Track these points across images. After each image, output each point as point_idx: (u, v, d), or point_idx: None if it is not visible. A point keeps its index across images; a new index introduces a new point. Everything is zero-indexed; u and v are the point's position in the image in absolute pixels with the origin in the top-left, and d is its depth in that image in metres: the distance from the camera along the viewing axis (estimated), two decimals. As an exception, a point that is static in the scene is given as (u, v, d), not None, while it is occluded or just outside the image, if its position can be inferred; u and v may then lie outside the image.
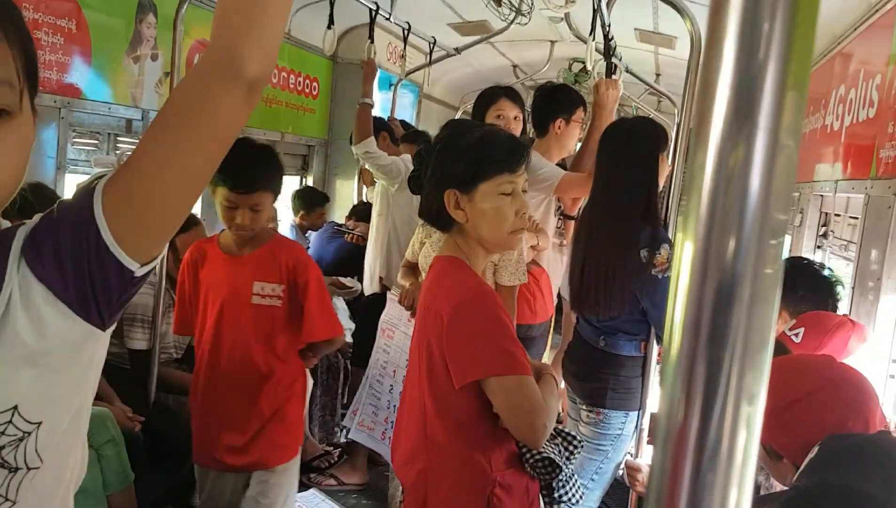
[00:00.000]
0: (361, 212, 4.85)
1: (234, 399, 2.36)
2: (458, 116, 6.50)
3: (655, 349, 2.50)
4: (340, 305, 4.04)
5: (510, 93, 3.32)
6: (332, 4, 3.81)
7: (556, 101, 3.25)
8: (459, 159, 1.67)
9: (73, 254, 0.82)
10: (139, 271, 0.85)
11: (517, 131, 3.25)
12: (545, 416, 1.58)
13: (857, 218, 2.76)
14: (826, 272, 2.51)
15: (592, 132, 3.13)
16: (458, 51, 5.16)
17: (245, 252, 2.35)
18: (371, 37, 4.01)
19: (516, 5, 4.29)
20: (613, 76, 3.20)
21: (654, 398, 2.56)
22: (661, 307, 2.35)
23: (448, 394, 1.63)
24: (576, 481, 1.72)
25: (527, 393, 1.56)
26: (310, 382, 3.70)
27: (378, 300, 3.66)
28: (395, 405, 2.75)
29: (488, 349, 1.58)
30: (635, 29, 5.22)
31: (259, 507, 2.41)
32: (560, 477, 1.67)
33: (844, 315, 2.32)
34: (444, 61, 5.35)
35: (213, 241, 2.43)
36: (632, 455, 2.60)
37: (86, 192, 0.83)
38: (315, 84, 5.18)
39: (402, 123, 5.08)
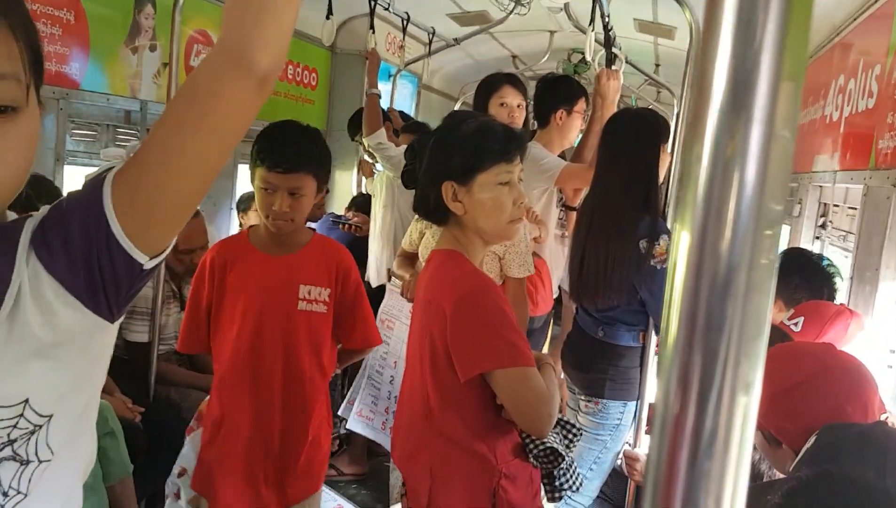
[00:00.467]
0: (361, 203, 4.84)
1: (278, 423, 2.08)
2: (457, 106, 6.49)
3: (654, 339, 2.51)
4: None
5: (513, 80, 3.26)
6: (330, -6, 3.80)
7: (557, 92, 3.24)
8: (456, 151, 1.66)
9: (82, 246, 0.82)
10: (148, 264, 0.85)
11: (520, 120, 3.22)
12: (550, 406, 1.59)
13: (855, 209, 2.76)
14: (824, 263, 2.51)
15: (594, 123, 3.13)
16: (457, 41, 5.14)
17: (286, 252, 2.09)
18: (372, 27, 4.00)
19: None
20: (613, 67, 3.19)
21: (653, 389, 2.57)
22: (659, 298, 2.35)
23: (452, 387, 1.63)
24: (575, 469, 1.74)
25: (532, 385, 1.56)
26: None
27: (381, 291, 3.66)
28: (395, 396, 2.76)
29: (492, 342, 1.58)
30: (635, 19, 5.21)
31: None
32: (561, 466, 1.68)
33: (841, 304, 2.33)
34: (443, 52, 5.34)
35: (242, 239, 2.15)
36: (630, 445, 2.61)
37: (95, 184, 0.83)
38: (314, 75, 5.17)
39: (402, 114, 5.07)
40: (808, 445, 1.36)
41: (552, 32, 5.83)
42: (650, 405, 2.59)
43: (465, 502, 1.65)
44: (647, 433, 2.64)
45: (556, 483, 1.71)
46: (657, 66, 6.41)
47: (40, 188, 2.44)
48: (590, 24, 3.36)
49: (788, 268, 2.36)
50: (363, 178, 5.25)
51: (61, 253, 0.82)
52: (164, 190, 0.83)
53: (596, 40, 3.43)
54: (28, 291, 0.82)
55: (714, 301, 0.34)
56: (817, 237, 3.44)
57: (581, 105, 3.24)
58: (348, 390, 4.18)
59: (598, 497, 2.70)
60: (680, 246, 0.35)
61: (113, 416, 2.51)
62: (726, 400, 0.35)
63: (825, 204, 3.40)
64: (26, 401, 0.84)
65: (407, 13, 4.68)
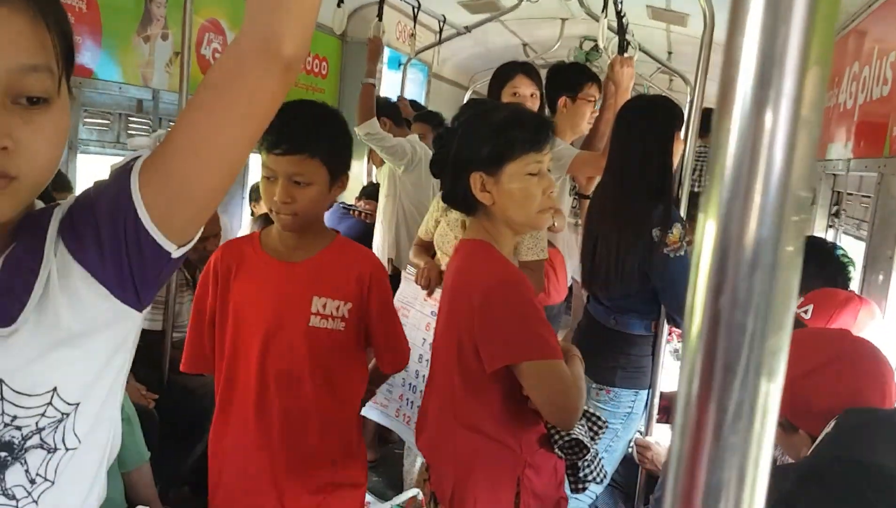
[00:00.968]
0: (371, 192, 4.84)
1: (282, 474, 1.82)
2: (467, 96, 6.47)
3: (665, 328, 2.51)
4: None
5: (527, 69, 3.23)
6: (341, -18, 3.79)
7: (559, 79, 3.23)
8: (484, 141, 1.64)
9: (110, 235, 0.82)
10: (176, 253, 0.86)
11: (534, 110, 3.22)
12: (577, 399, 1.58)
13: (869, 197, 2.74)
14: (838, 253, 2.51)
15: (606, 111, 3.11)
16: (468, 29, 5.12)
17: (300, 257, 1.79)
18: (380, 15, 3.98)
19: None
20: (627, 54, 3.17)
21: (664, 377, 2.57)
22: (672, 286, 2.35)
23: (478, 378, 1.62)
24: (599, 461, 1.74)
25: (559, 377, 1.55)
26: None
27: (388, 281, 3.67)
28: (410, 383, 2.76)
29: (520, 334, 1.57)
30: (647, 6, 5.17)
31: None
32: (586, 458, 1.68)
33: (851, 291, 2.32)
34: (453, 40, 5.32)
35: (252, 240, 1.85)
36: (641, 433, 2.62)
37: (123, 172, 0.83)
38: (324, 64, 5.17)
39: (413, 103, 5.06)
40: (827, 429, 1.36)
41: (564, 20, 5.80)
42: (662, 393, 2.59)
43: (489, 490, 1.65)
44: (658, 421, 2.64)
45: (580, 475, 1.71)
46: (669, 53, 6.37)
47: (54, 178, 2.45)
48: (602, 11, 3.34)
49: (804, 256, 2.36)
50: (374, 167, 5.25)
51: (90, 242, 0.83)
52: (191, 178, 0.83)
53: (608, 27, 3.41)
54: (56, 280, 0.82)
55: (740, 290, 0.34)
56: (831, 226, 3.42)
57: (588, 91, 3.21)
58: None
59: (608, 484, 2.71)
60: (706, 233, 0.35)
61: (128, 403, 2.53)
62: (751, 386, 0.35)
63: (839, 192, 3.38)
64: (54, 390, 0.84)
65: (418, 1, 4.67)
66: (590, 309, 2.65)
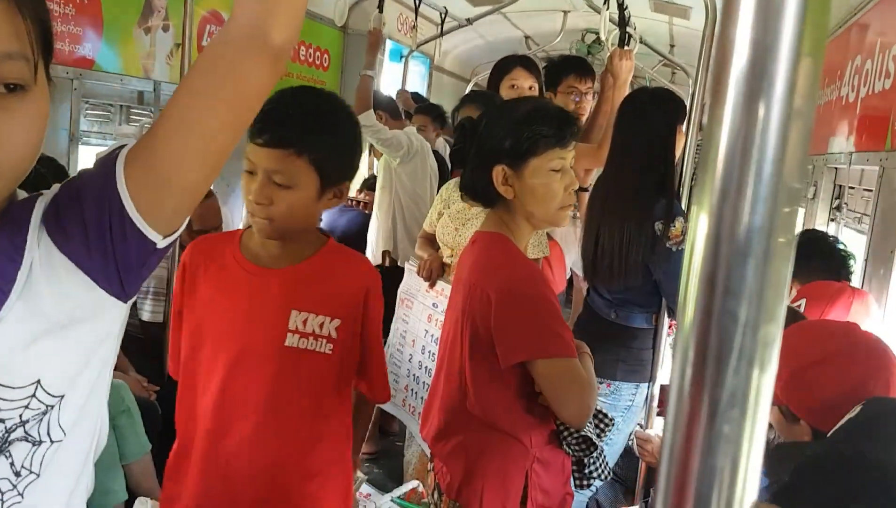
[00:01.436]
0: (372, 184, 4.84)
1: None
2: (469, 88, 6.46)
3: (666, 321, 2.51)
4: None
5: (525, 62, 3.24)
6: (343, -26, 3.78)
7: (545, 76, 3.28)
8: (508, 134, 1.62)
9: (95, 225, 0.81)
10: (161, 243, 0.85)
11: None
12: (590, 398, 1.57)
13: (871, 190, 2.74)
14: (839, 246, 2.51)
15: (602, 103, 3.11)
16: (469, 21, 5.11)
17: (282, 263, 1.50)
18: (380, 7, 3.97)
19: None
20: (627, 47, 3.17)
21: (665, 370, 2.58)
22: (674, 280, 2.35)
23: (492, 372, 1.62)
24: (604, 458, 1.74)
25: (574, 376, 1.55)
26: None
27: (385, 274, 3.66)
28: (413, 374, 2.79)
29: (537, 331, 1.56)
30: (649, -1, 5.16)
31: None
32: (593, 454, 1.68)
33: (844, 282, 2.33)
34: (455, 33, 5.31)
35: (232, 239, 1.56)
36: (642, 426, 2.62)
37: (107, 161, 0.83)
38: (326, 56, 5.15)
39: (415, 95, 5.05)
40: (851, 415, 1.34)
41: (566, 13, 5.79)
42: (662, 386, 2.59)
43: (497, 483, 1.65)
44: (658, 414, 2.65)
45: (586, 472, 1.71)
46: (672, 46, 6.35)
47: (53, 168, 2.45)
48: (604, 4, 3.33)
49: (809, 251, 2.36)
50: (375, 159, 5.26)
51: (74, 231, 0.82)
52: (177, 167, 0.82)
53: (610, 20, 3.40)
54: (40, 270, 0.81)
55: (732, 280, 0.35)
56: (832, 219, 3.42)
57: (568, 83, 3.20)
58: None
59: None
60: (699, 223, 0.35)
61: (129, 394, 2.54)
62: (743, 375, 0.35)
63: (840, 186, 3.37)
64: (38, 382, 0.83)
65: (419, -7, 4.66)
66: (590, 302, 2.65)
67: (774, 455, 1.37)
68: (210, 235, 1.78)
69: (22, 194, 0.88)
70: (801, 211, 3.69)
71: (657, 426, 2.64)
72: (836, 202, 3.41)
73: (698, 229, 0.35)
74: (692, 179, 2.60)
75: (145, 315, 2.90)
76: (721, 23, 0.35)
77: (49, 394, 0.85)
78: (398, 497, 2.69)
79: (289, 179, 1.41)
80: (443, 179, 3.51)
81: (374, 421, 3.68)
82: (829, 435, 1.39)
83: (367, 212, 4.53)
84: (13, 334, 0.81)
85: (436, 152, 4.02)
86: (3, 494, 0.86)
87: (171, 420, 2.76)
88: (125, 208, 0.81)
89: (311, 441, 1.54)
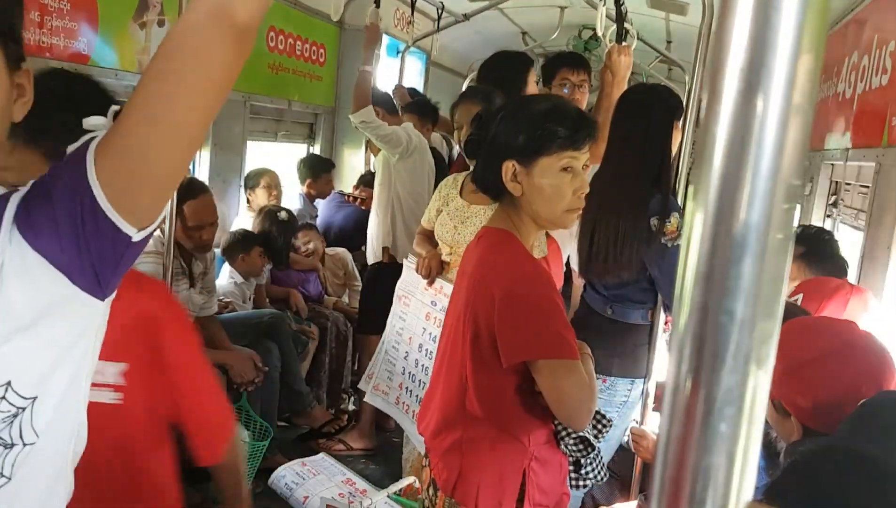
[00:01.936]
0: (369, 180, 4.83)
1: None
2: (466, 84, 6.45)
3: (662, 316, 2.51)
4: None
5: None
6: (339, -31, 3.76)
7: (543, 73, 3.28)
8: (522, 130, 1.60)
9: (67, 219, 0.80)
10: (137, 236, 0.83)
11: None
12: (590, 400, 1.57)
13: (867, 187, 2.74)
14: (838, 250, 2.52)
15: (602, 99, 3.10)
16: (466, 17, 5.10)
17: None
18: (377, 2, 3.96)
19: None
20: (625, 43, 3.16)
21: (660, 366, 2.58)
22: (669, 276, 2.35)
23: (493, 370, 1.61)
24: (601, 459, 1.74)
25: (576, 379, 1.54)
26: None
27: (384, 270, 3.67)
28: (409, 372, 2.77)
29: (540, 331, 1.55)
30: (646, -6, 5.15)
31: None
32: (590, 455, 1.68)
33: (844, 279, 2.33)
34: (452, 28, 5.29)
35: None
36: (637, 422, 2.62)
37: (77, 154, 0.81)
38: (322, 51, 5.14)
39: (411, 90, 5.04)
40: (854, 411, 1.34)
41: (562, 8, 5.77)
42: (657, 382, 2.59)
43: (494, 480, 1.65)
44: (654, 410, 2.65)
45: (583, 472, 1.71)
46: (669, 42, 6.34)
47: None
48: (601, 0, 3.33)
49: (816, 249, 2.38)
50: (371, 156, 5.25)
51: (46, 227, 0.80)
52: (148, 153, 0.81)
53: (607, 16, 3.39)
54: (11, 268, 0.80)
55: (729, 277, 0.34)
56: (828, 215, 3.43)
57: (561, 76, 3.21)
58: (357, 367, 4.23)
59: (605, 473, 2.72)
60: (695, 220, 0.35)
61: (124, 390, 2.53)
62: (742, 361, 0.35)
63: (837, 182, 3.38)
64: (8, 384, 0.82)
65: (416, -12, 4.65)
66: (586, 298, 2.65)
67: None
68: None
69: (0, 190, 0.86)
70: (797, 207, 3.69)
71: (653, 422, 2.64)
72: (832, 198, 3.41)
73: (695, 226, 0.35)
74: (688, 175, 2.60)
75: (141, 311, 2.89)
76: (719, 16, 0.35)
77: (20, 396, 0.83)
78: (394, 494, 2.69)
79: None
80: (441, 176, 3.50)
81: (371, 418, 3.69)
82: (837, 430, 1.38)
83: (363, 208, 4.53)
84: None
85: (433, 149, 4.01)
86: None
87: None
88: (97, 200, 0.79)
89: (129, 503, 1.36)
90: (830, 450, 1.22)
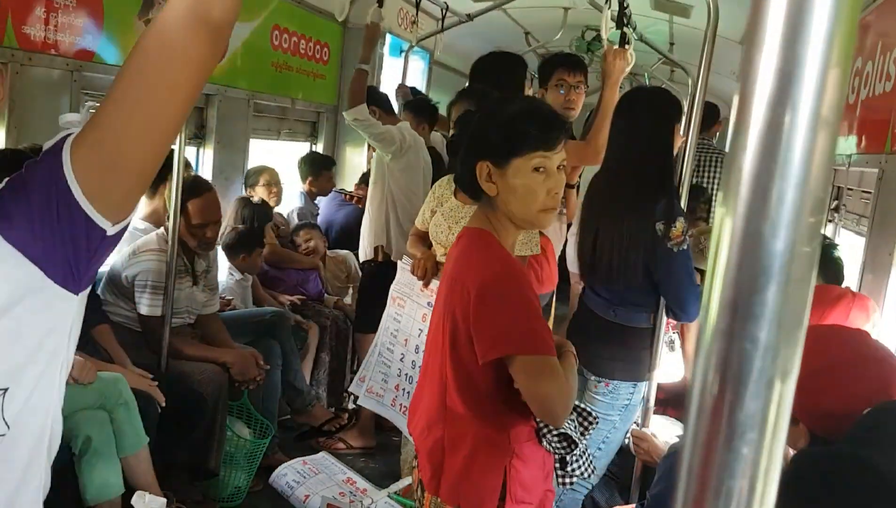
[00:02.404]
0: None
1: None
2: (468, 83, 6.45)
3: (664, 320, 2.51)
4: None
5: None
6: (344, -32, 3.76)
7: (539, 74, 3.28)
8: (495, 131, 1.62)
9: (43, 213, 0.81)
10: (111, 230, 0.85)
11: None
12: (567, 397, 1.57)
13: (870, 193, 2.75)
14: (834, 253, 2.51)
15: (599, 103, 3.10)
16: (470, 17, 5.10)
17: None
18: (380, 1, 3.96)
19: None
20: (627, 45, 3.16)
21: (661, 369, 2.58)
22: (675, 280, 2.34)
23: (470, 368, 1.62)
24: (588, 456, 1.74)
25: (550, 374, 1.54)
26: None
27: (379, 268, 3.67)
28: (406, 374, 2.76)
29: (514, 327, 1.56)
30: (650, -4, 5.15)
31: None
32: (575, 452, 1.68)
33: (846, 288, 2.33)
34: (455, 28, 5.29)
35: None
36: (638, 425, 2.63)
37: (53, 149, 0.83)
38: (325, 49, 5.14)
39: (412, 90, 5.04)
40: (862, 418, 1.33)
41: (566, 9, 5.78)
42: (659, 385, 2.60)
43: (475, 478, 1.66)
44: (654, 412, 2.65)
45: (569, 469, 1.72)
46: (672, 44, 6.35)
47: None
48: (606, 2, 3.33)
49: (822, 259, 2.37)
50: (373, 154, 5.24)
51: (21, 221, 0.82)
52: (124, 147, 0.83)
53: (611, 18, 3.39)
54: None
55: (756, 288, 0.34)
56: (830, 221, 3.43)
57: (558, 77, 3.18)
58: (358, 367, 4.22)
59: (604, 475, 2.72)
60: (724, 232, 0.35)
61: (126, 388, 2.54)
62: (764, 386, 0.35)
63: (839, 187, 3.38)
64: None
65: (420, -12, 4.64)
66: (586, 301, 2.64)
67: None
68: None
69: None
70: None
71: (653, 425, 2.65)
72: (834, 204, 3.41)
73: (723, 235, 0.35)
74: (691, 179, 2.60)
75: (143, 309, 2.89)
76: (748, 30, 0.35)
77: None
78: (394, 494, 2.70)
79: None
80: (440, 175, 3.50)
81: (371, 417, 3.68)
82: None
83: (361, 207, 4.53)
84: None
85: (432, 148, 4.01)
86: None
87: (168, 414, 2.77)
88: (72, 193, 0.81)
89: None
90: (835, 454, 1.23)
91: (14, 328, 0.84)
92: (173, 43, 0.81)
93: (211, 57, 0.84)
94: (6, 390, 0.85)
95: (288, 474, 2.81)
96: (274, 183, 4.27)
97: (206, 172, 4.02)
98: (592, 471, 1.76)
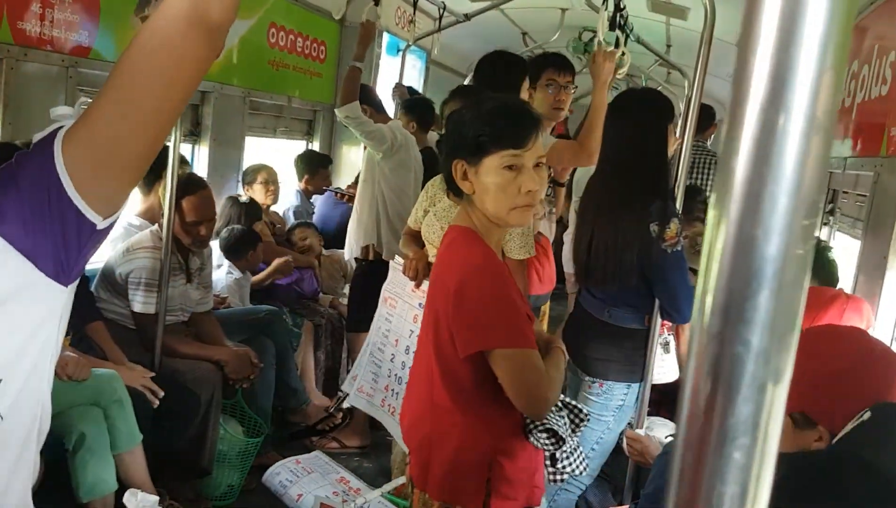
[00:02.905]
0: (365, 178, 4.83)
1: None
2: (465, 83, 6.45)
3: (658, 321, 2.51)
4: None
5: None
6: (341, -33, 3.75)
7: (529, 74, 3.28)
8: (468, 129, 1.63)
9: (33, 206, 0.82)
10: (101, 225, 0.86)
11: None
12: (547, 390, 1.59)
13: (865, 196, 2.75)
14: (829, 256, 2.52)
15: (591, 104, 3.10)
16: (467, 17, 5.09)
17: None
18: (377, 0, 3.95)
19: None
20: (611, 49, 3.15)
21: (655, 370, 2.58)
22: (668, 281, 2.35)
23: (453, 363, 1.64)
24: (580, 453, 1.74)
25: (530, 367, 1.56)
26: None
27: (370, 267, 3.66)
28: (396, 374, 2.75)
29: (492, 322, 1.58)
30: (647, -2, 5.16)
31: None
32: (564, 449, 1.68)
33: (840, 289, 2.33)
34: (453, 28, 5.29)
35: None
36: (632, 426, 2.63)
37: (45, 144, 0.83)
38: (322, 48, 5.13)
39: (409, 89, 5.04)
40: (857, 420, 1.32)
41: (563, 10, 5.78)
42: (653, 386, 2.60)
43: (460, 474, 1.67)
44: (648, 413, 2.66)
45: (559, 466, 1.72)
46: (668, 46, 6.35)
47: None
48: (603, 4, 3.32)
49: (815, 262, 2.37)
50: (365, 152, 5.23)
51: (12, 213, 0.82)
52: (117, 143, 0.83)
53: (608, 19, 3.39)
54: None
55: (748, 292, 0.34)
56: (825, 223, 3.43)
57: (547, 77, 3.18)
58: (350, 364, 4.22)
59: (598, 475, 2.73)
60: (717, 235, 0.35)
61: (121, 385, 2.53)
62: (756, 391, 0.35)
63: (834, 190, 3.39)
64: None
65: (418, -13, 4.64)
66: (582, 302, 2.64)
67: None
68: None
69: None
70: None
71: (647, 425, 2.65)
72: (829, 207, 3.42)
73: (717, 238, 0.35)
74: (686, 180, 2.60)
75: (137, 306, 2.88)
76: (741, 32, 0.35)
77: None
78: (387, 493, 2.69)
79: None
80: (434, 174, 3.50)
81: (365, 416, 3.68)
82: (833, 441, 1.37)
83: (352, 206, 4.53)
84: None
85: (429, 148, 4.00)
86: None
87: (162, 411, 2.76)
88: (63, 187, 0.81)
89: None
90: (838, 456, 1.22)
91: (6, 321, 0.85)
92: (171, 41, 0.82)
93: (208, 56, 0.84)
94: (0, 381, 0.86)
95: (281, 473, 2.80)
96: (272, 181, 4.26)
97: (201, 169, 4.01)
98: (585, 469, 1.77)
